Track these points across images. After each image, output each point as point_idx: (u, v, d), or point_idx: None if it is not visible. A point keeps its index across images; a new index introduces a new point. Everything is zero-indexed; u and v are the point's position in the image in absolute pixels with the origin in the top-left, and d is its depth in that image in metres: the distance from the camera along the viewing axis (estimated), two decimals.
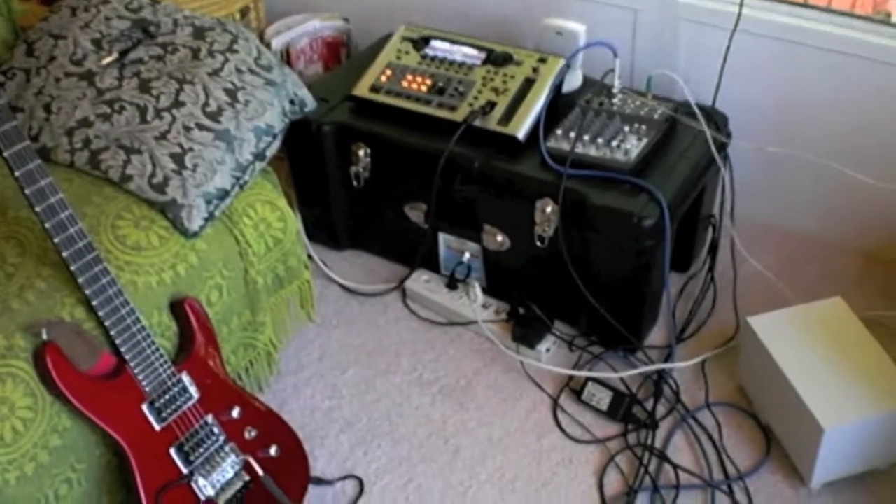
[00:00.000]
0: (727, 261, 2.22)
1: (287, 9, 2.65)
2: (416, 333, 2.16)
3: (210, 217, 1.77)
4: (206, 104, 1.82)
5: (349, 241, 2.38)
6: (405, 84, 2.17)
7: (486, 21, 2.47)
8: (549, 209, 1.97)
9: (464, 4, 2.50)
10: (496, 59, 2.16)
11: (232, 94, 1.84)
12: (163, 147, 1.77)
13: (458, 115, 2.08)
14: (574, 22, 2.16)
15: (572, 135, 2.00)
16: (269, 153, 1.89)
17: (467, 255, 2.19)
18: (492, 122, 2.06)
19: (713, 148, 2.05)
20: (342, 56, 2.61)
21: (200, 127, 1.80)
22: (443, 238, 2.20)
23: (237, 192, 1.83)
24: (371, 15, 2.61)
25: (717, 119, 2.13)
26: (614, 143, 1.98)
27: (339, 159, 2.20)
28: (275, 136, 1.89)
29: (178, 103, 1.81)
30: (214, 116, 1.81)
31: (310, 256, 2.28)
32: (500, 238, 2.10)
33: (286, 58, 2.53)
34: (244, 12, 2.51)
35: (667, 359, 2.05)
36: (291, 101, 1.96)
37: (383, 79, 2.19)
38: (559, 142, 2.01)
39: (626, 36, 2.32)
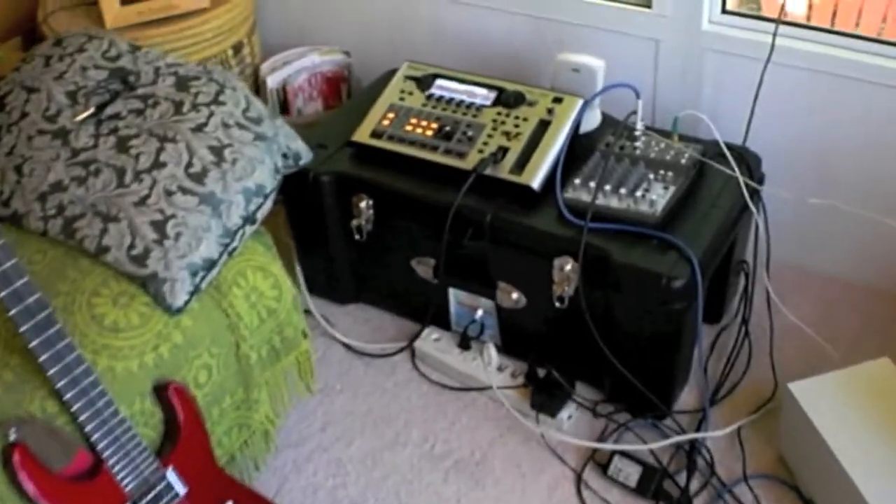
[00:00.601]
0: (761, 311, 2.04)
1: (284, 42, 2.49)
2: (426, 398, 2.00)
3: (196, 290, 1.61)
4: (189, 164, 1.66)
5: (354, 294, 2.21)
6: (409, 128, 2.01)
7: (495, 56, 2.30)
8: (568, 267, 1.80)
9: (471, 38, 2.34)
10: (507, 100, 1.99)
11: (218, 152, 1.68)
12: (142, 214, 1.61)
13: (468, 163, 1.91)
14: (591, 57, 1.99)
15: (592, 184, 1.83)
16: (261, 215, 1.73)
17: (480, 312, 2.03)
18: (503, 171, 1.89)
19: (746, 194, 1.88)
20: (343, 92, 2.44)
21: (183, 190, 1.63)
22: (453, 294, 2.04)
23: (225, 260, 1.67)
24: (373, 48, 2.45)
25: (749, 160, 1.95)
26: (638, 193, 1.81)
27: (340, 211, 2.03)
28: (266, 197, 1.73)
29: (158, 164, 1.65)
30: (199, 178, 1.65)
31: (309, 312, 2.12)
32: (515, 296, 1.93)
33: (283, 96, 2.37)
34: (237, 48, 2.35)
35: (699, 426, 1.87)
36: (284, 156, 1.80)
37: (385, 123, 2.03)
38: (578, 192, 1.84)
39: (648, 69, 2.15)
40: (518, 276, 1.92)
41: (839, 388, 1.74)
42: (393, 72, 2.25)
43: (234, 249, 1.68)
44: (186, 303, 1.60)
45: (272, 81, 2.36)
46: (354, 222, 2.01)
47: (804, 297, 2.12)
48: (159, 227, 1.60)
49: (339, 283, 2.19)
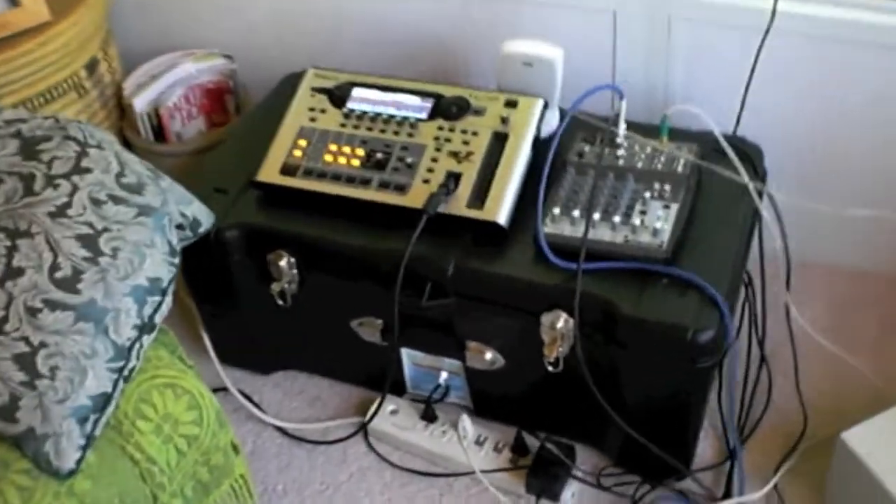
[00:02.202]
0: (771, 326, 1.72)
1: (148, 48, 2.02)
2: (391, 489, 1.61)
3: (89, 441, 1.19)
4: (54, 267, 1.22)
5: (279, 361, 1.80)
6: (329, 158, 1.59)
7: (417, 51, 1.88)
8: (560, 324, 1.43)
9: (383, 27, 1.91)
10: (448, 109, 1.59)
11: (91, 242, 1.24)
12: (1, 348, 1.17)
13: (412, 199, 1.51)
14: (545, 44, 1.59)
15: (577, 213, 1.46)
16: (160, 317, 1.30)
17: (445, 375, 1.65)
18: (459, 205, 1.49)
19: (757, 200, 1.54)
20: (229, 105, 1.99)
21: (52, 305, 1.19)
22: (408, 354, 1.65)
23: (122, 388, 1.24)
24: (259, 49, 2.00)
25: (750, 154, 1.60)
26: (636, 220, 1.44)
27: (254, 272, 1.61)
28: (164, 293, 1.30)
29: (13, 271, 1.21)
30: (70, 284, 1.21)
31: (224, 389, 1.71)
32: (489, 356, 1.56)
33: (157, 121, 1.91)
34: (92, 67, 1.87)
35: (727, 489, 1.55)
36: (180, 227, 1.37)
37: (297, 154, 1.60)
38: (559, 224, 1.46)
39: (604, 48, 1.77)
40: (492, 333, 1.54)
41: None
42: (292, 79, 1.83)
43: (133, 371, 1.26)
44: (79, 461, 1.17)
45: (141, 103, 1.89)
46: (275, 287, 1.59)
47: (813, 296, 1.80)
48: (27, 362, 1.16)
49: (261, 352, 1.78)
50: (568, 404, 1.56)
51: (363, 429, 1.67)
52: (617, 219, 1.44)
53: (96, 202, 1.27)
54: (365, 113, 1.62)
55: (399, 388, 1.71)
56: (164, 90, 1.91)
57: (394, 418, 1.67)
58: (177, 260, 1.33)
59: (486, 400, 1.66)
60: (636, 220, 1.44)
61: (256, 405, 1.74)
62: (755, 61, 1.61)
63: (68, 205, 1.26)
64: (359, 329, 1.62)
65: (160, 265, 1.29)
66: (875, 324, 1.79)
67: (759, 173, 1.60)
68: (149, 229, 1.29)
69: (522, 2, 1.78)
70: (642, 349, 1.39)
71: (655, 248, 1.42)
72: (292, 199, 1.58)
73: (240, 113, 1.98)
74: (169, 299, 1.31)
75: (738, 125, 1.68)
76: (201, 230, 1.41)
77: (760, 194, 1.54)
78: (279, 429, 1.72)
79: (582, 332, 1.42)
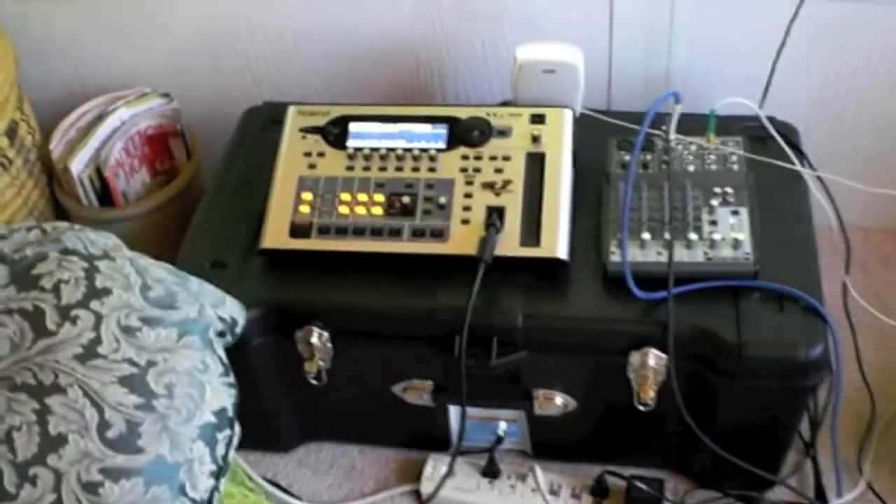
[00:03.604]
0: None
1: (62, 98, 1.73)
2: None
3: None
4: (103, 424, 0.99)
5: (300, 436, 1.59)
6: (344, 210, 1.38)
7: (384, 62, 1.67)
8: (652, 362, 1.29)
9: (336, 41, 1.68)
10: (469, 134, 1.40)
11: (139, 384, 1.01)
12: None
13: (456, 245, 1.32)
14: (564, 45, 1.42)
15: (646, 235, 1.31)
16: (232, 452, 1.09)
17: (504, 426, 1.49)
18: (511, 243, 1.32)
19: (812, 188, 1.42)
20: (176, 152, 1.73)
21: (113, 475, 0.97)
22: (455, 411, 1.48)
23: None
24: (189, 83, 1.74)
25: (789, 136, 1.49)
26: (708, 231, 1.31)
27: (278, 354, 1.39)
28: (231, 423, 1.09)
29: (52, 441, 0.97)
30: (128, 444, 0.99)
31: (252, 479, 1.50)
32: (559, 401, 1.40)
33: (102, 185, 1.63)
34: (11, 133, 1.58)
35: (819, 490, 1.46)
36: (221, 334, 1.15)
37: (304, 209, 1.38)
38: (630, 250, 1.31)
39: (599, 24, 1.61)
40: (564, 378, 1.39)
41: None
42: (253, 114, 1.60)
43: None
44: None
45: (78, 165, 1.61)
46: (309, 367, 1.38)
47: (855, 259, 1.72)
48: None
49: (280, 432, 1.57)
50: (647, 435, 1.43)
51: (416, 494, 1.49)
52: (693, 236, 1.30)
53: (129, 331, 1.04)
54: (373, 150, 1.41)
55: (442, 443, 1.54)
56: (99, 145, 1.64)
57: (452, 481, 1.49)
58: (232, 378, 1.12)
59: (549, 441, 1.51)
60: (715, 234, 1.30)
61: (287, 491, 1.53)
62: (789, 26, 1.49)
63: (97, 341, 1.03)
64: (404, 394, 1.44)
65: (220, 391, 1.08)
66: None
67: (802, 155, 1.49)
68: (197, 351, 1.07)
69: None
70: (749, 376, 1.27)
71: (742, 261, 1.28)
72: (310, 263, 1.37)
73: (191, 159, 1.72)
74: (237, 429, 1.10)
75: (762, 102, 1.55)
76: (238, 330, 1.20)
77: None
78: None
79: (677, 367, 1.28)
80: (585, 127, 1.45)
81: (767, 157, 1.42)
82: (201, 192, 1.54)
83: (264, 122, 1.58)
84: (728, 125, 1.44)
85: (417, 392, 1.43)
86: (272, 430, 1.56)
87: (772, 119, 1.50)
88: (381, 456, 1.58)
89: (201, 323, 1.09)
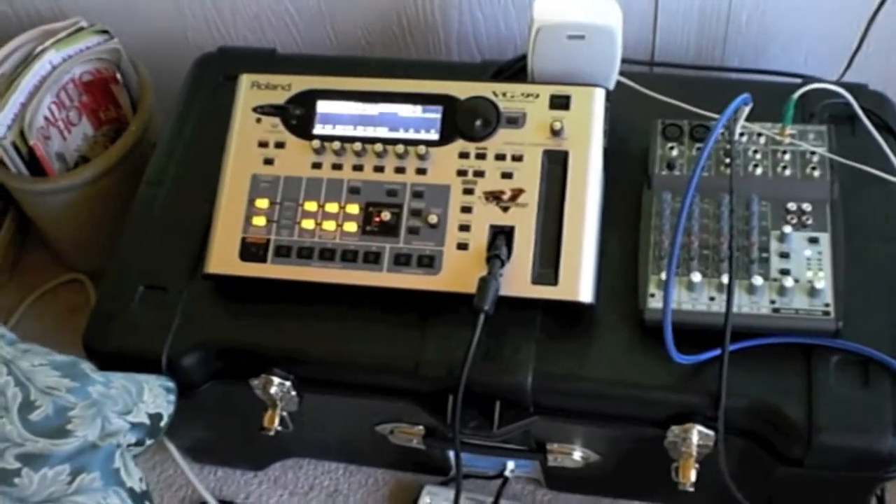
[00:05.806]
0: None
1: None
2: None
3: None
4: None
5: (275, 452, 1.35)
6: (308, 225, 1.08)
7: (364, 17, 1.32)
8: (695, 439, 1.01)
9: None
10: (469, 123, 1.08)
11: None
12: None
13: (448, 280, 1.03)
14: (595, 3, 1.07)
15: (696, 277, 1.00)
16: None
17: (512, 465, 1.24)
18: (520, 278, 1.02)
19: None
20: (121, 99, 1.41)
21: None
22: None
23: None
24: (144, 16, 1.40)
25: (879, 113, 1.14)
26: (777, 267, 1.00)
27: (235, 398, 1.13)
28: None
29: None
30: None
31: None
32: (578, 455, 1.14)
33: (26, 149, 1.33)
34: None
35: None
36: (138, 443, 0.89)
37: (258, 222, 1.08)
38: (665, 290, 1.01)
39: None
40: (588, 439, 1.12)
41: None
42: (204, 65, 1.29)
43: None
44: None
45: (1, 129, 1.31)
46: (268, 418, 1.11)
47: None
48: None
49: (251, 452, 1.33)
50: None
51: None
52: (758, 280, 0.99)
53: (2, 477, 0.78)
54: (346, 141, 1.10)
55: (440, 469, 1.30)
56: (25, 100, 1.33)
57: None
58: (144, 483, 0.86)
59: (565, 475, 1.26)
60: (785, 280, 0.99)
61: None
62: None
63: None
64: (390, 435, 1.18)
65: None
66: None
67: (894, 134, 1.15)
68: (98, 492, 0.81)
69: None
70: (819, 466, 0.99)
71: (820, 316, 0.98)
72: (266, 292, 1.09)
73: (138, 112, 1.41)
74: None
75: (843, 74, 1.20)
76: (163, 423, 0.93)
77: None
78: None
79: (726, 442, 1.01)
80: (618, 100, 1.12)
81: (853, 145, 1.09)
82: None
83: (218, 81, 1.26)
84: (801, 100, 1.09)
85: (406, 436, 1.17)
86: (239, 446, 1.32)
87: (859, 88, 1.15)
88: (370, 477, 1.34)
89: (104, 451, 0.83)
